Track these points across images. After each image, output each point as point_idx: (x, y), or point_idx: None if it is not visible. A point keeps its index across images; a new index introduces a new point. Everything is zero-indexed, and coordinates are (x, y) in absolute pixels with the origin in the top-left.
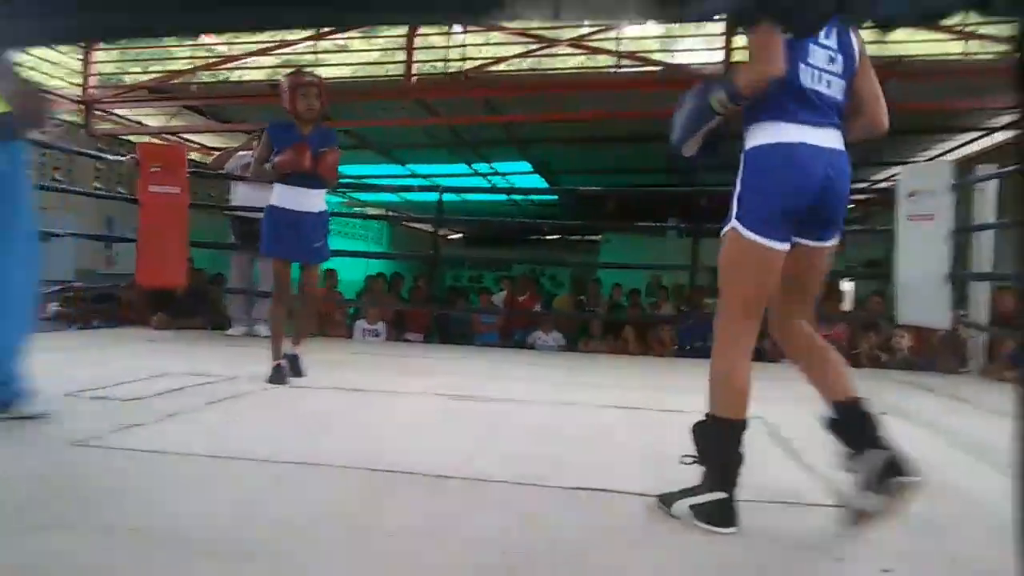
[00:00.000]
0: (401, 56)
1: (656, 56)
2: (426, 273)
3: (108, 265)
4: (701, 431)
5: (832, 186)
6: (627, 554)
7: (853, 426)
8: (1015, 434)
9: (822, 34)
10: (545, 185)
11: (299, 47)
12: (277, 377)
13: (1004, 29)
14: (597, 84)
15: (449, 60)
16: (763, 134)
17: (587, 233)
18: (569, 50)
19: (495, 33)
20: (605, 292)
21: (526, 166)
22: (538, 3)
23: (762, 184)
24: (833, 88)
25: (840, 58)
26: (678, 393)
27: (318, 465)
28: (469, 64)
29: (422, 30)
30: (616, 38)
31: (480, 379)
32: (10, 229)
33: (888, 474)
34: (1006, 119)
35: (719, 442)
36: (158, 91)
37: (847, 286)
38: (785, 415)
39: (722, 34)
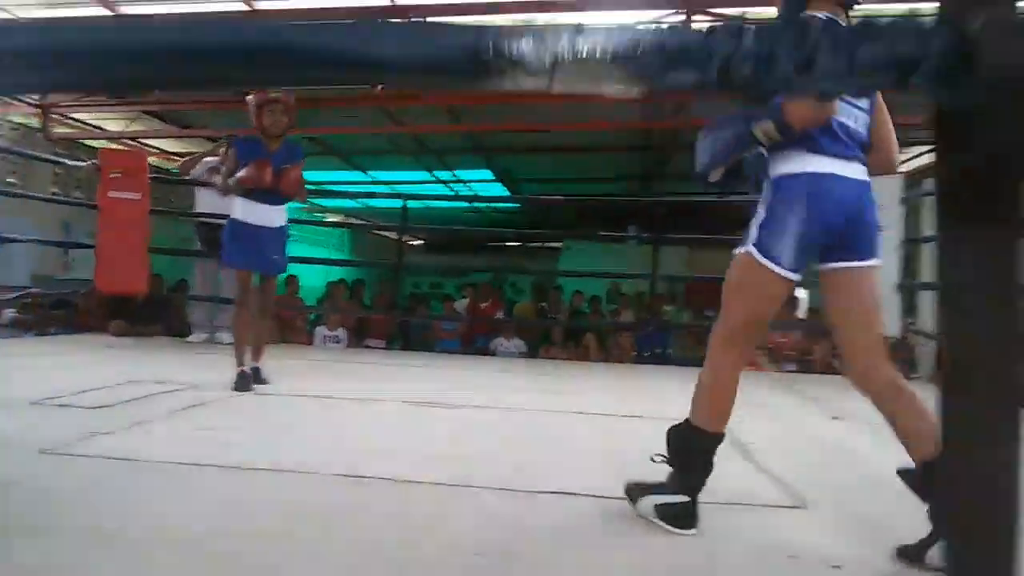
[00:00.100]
0: None
1: None
2: (389, 279)
3: (65, 270)
4: (677, 434)
5: (861, 216)
6: (597, 554)
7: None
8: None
9: None
10: (507, 193)
11: None
12: (242, 384)
13: None
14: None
15: None
16: (793, 164)
17: (548, 241)
18: None
19: None
20: (566, 299)
21: (488, 174)
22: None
23: (790, 212)
24: (859, 123)
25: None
26: (638, 399)
27: (288, 472)
28: None
29: None
30: None
31: (443, 385)
32: None
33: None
34: None
35: (693, 450)
36: (117, 95)
37: (801, 294)
38: (742, 420)
39: None
